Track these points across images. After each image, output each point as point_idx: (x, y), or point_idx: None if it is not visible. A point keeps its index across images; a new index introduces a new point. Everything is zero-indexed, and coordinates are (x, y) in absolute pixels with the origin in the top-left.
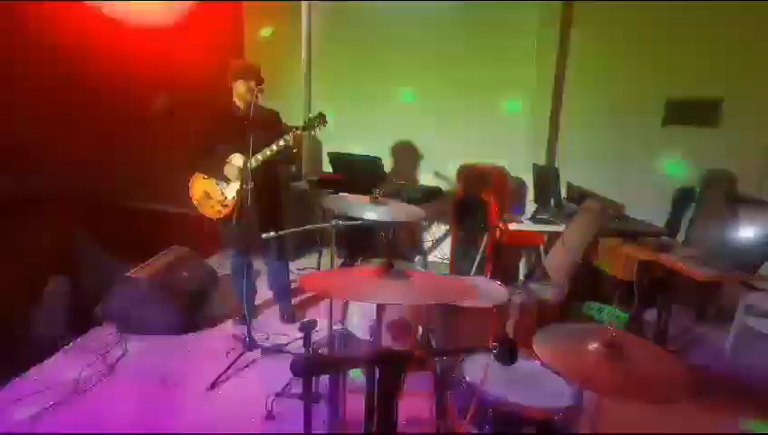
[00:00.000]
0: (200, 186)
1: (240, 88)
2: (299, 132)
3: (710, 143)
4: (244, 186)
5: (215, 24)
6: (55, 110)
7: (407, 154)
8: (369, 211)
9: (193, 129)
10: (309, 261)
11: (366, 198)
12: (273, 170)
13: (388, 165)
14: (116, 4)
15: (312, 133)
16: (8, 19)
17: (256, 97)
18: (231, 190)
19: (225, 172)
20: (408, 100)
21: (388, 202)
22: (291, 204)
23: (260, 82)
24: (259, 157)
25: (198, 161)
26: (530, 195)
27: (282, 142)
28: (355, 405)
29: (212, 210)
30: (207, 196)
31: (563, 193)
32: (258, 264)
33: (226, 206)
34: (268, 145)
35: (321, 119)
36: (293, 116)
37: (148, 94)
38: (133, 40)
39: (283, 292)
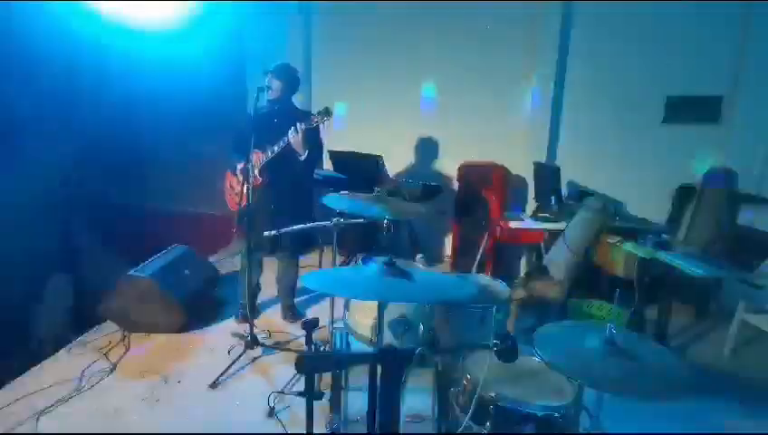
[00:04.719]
0: (228, 179)
1: (272, 86)
2: (303, 128)
3: (710, 140)
4: (246, 184)
5: (216, 25)
6: (55, 109)
7: (408, 152)
8: (371, 209)
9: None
10: (310, 259)
11: (367, 196)
12: (289, 167)
13: (388, 163)
14: (118, 5)
15: (322, 125)
16: (8, 19)
17: (278, 97)
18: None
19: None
20: (408, 98)
21: (389, 200)
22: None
23: (292, 81)
24: (269, 153)
25: (233, 156)
26: (531, 193)
27: (286, 138)
28: (357, 403)
29: (232, 202)
30: (231, 188)
31: (564, 191)
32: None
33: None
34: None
35: (327, 113)
36: None
37: (147, 94)
38: (135, 40)
39: (288, 290)
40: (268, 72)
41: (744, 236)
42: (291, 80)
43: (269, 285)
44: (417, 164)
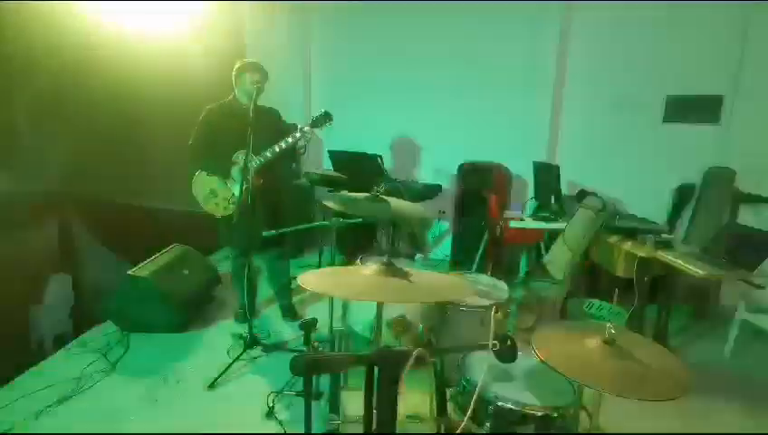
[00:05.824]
0: (205, 183)
1: (246, 82)
2: (307, 130)
3: (710, 140)
4: (245, 184)
5: (216, 25)
6: (55, 108)
7: (407, 151)
8: (370, 209)
9: (197, 127)
10: (309, 259)
11: (366, 196)
12: (276, 168)
13: (388, 162)
14: (116, 5)
15: (320, 130)
16: (9, 18)
17: (257, 93)
18: (238, 188)
19: (232, 174)
20: (408, 97)
21: (389, 200)
22: (292, 202)
23: (264, 78)
24: (268, 154)
25: (202, 159)
26: (530, 192)
27: (290, 140)
28: (355, 403)
29: (217, 208)
30: (213, 193)
31: (564, 190)
32: (258, 262)
33: (234, 203)
34: (269, 142)
35: (328, 117)
36: (293, 116)
37: (147, 94)
38: (134, 40)
39: (284, 290)
40: (243, 70)
41: (744, 236)
42: (264, 75)
43: (267, 284)
44: (417, 164)
